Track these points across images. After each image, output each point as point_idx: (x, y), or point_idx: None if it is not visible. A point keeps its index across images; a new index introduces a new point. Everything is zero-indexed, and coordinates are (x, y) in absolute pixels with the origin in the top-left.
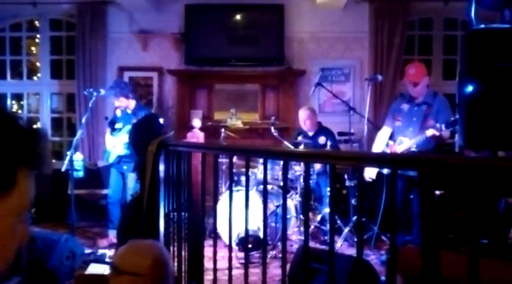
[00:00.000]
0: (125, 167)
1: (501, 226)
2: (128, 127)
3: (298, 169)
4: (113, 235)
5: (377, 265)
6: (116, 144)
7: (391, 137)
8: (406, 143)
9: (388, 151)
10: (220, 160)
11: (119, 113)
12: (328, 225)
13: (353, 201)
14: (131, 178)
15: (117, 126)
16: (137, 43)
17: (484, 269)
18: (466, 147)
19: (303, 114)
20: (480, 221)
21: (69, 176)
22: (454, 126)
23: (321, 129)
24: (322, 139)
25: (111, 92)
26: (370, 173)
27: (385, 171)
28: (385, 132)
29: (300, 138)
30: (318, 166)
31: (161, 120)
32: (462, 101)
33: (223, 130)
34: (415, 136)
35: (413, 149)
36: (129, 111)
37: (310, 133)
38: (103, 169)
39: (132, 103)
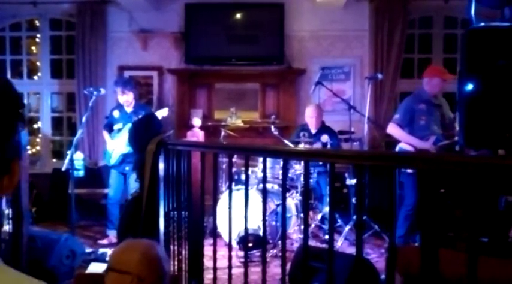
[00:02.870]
0: (127, 168)
1: (501, 224)
2: (129, 125)
3: (298, 167)
4: (112, 235)
5: (378, 264)
6: (118, 144)
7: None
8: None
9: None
10: (220, 159)
11: (116, 114)
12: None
13: (353, 200)
14: (133, 179)
15: (117, 126)
16: (137, 42)
17: (484, 268)
18: (466, 146)
19: (312, 111)
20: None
21: (70, 175)
22: None
23: (324, 128)
24: (324, 138)
25: (119, 86)
26: None
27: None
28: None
29: (302, 135)
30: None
31: (165, 111)
32: (462, 99)
33: (223, 129)
34: (443, 133)
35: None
36: (128, 110)
37: (313, 131)
38: (103, 169)
39: (133, 101)
